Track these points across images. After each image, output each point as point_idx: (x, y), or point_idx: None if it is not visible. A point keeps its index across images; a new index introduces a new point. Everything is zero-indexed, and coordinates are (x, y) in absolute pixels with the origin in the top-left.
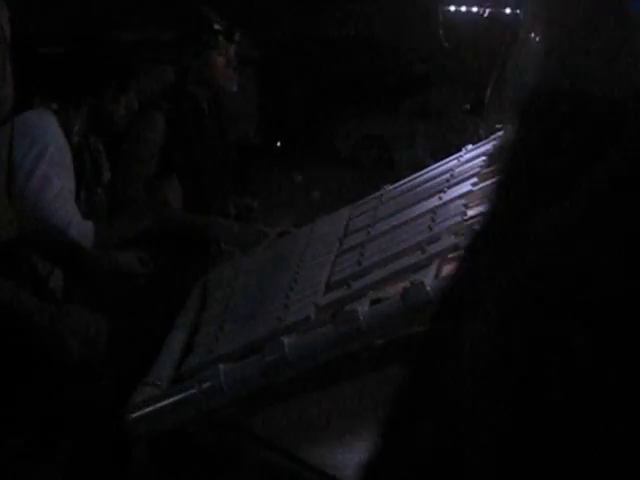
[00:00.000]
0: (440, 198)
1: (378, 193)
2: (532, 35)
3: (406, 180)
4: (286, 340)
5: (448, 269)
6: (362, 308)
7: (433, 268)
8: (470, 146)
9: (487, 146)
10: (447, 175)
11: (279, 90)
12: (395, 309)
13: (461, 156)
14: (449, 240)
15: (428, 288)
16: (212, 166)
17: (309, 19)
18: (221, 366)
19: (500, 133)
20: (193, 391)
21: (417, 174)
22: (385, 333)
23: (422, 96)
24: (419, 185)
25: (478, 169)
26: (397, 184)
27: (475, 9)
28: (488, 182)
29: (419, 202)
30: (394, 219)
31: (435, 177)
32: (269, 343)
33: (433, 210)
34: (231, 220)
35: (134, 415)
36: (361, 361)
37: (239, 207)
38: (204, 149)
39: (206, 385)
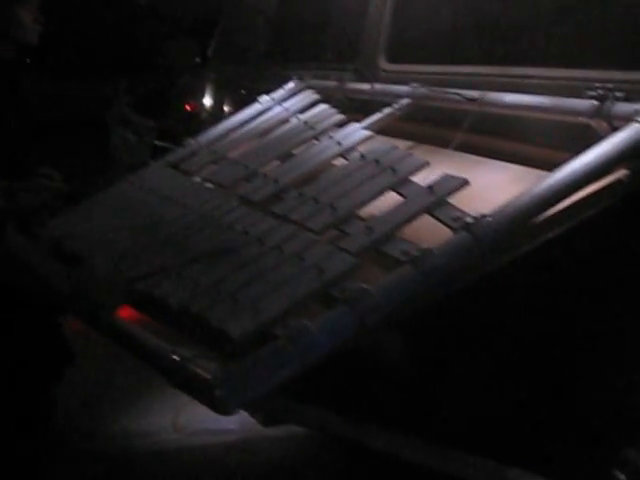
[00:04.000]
0: (339, 143)
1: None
2: None
3: (219, 131)
4: (369, 286)
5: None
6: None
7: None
8: (267, 97)
9: (300, 94)
10: (297, 123)
11: None
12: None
13: (270, 106)
14: (443, 179)
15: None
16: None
17: None
18: (306, 321)
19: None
20: (288, 351)
21: (225, 124)
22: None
23: None
24: (261, 133)
25: (330, 112)
26: (208, 134)
27: None
28: (370, 123)
29: (309, 148)
30: (302, 164)
31: (275, 124)
32: (351, 292)
33: (357, 154)
34: None
35: (224, 390)
36: None
37: None
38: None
39: (300, 342)
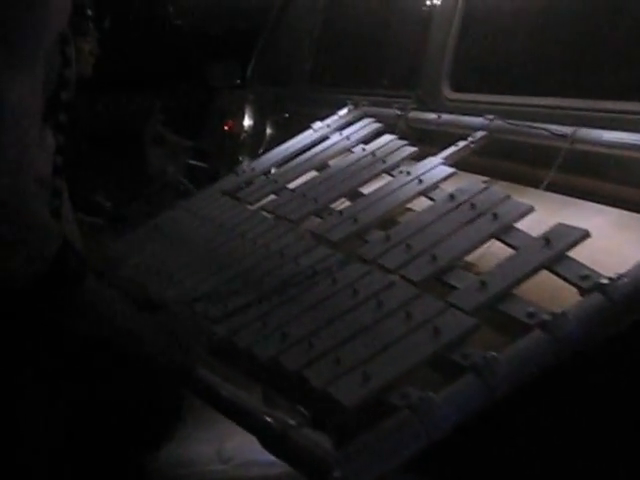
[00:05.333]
0: (420, 180)
1: (248, 169)
2: None
3: (274, 158)
4: (499, 354)
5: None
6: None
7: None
8: (320, 123)
9: (360, 122)
10: (363, 154)
11: None
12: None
13: (327, 133)
14: (559, 228)
15: None
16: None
17: None
18: (431, 394)
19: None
20: (413, 426)
21: (282, 153)
22: None
23: None
24: (322, 164)
25: (398, 144)
26: (261, 161)
27: None
28: (444, 157)
29: (385, 184)
30: (380, 202)
31: (337, 154)
32: (478, 359)
33: (444, 194)
34: None
35: (343, 471)
36: None
37: None
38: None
39: (426, 415)
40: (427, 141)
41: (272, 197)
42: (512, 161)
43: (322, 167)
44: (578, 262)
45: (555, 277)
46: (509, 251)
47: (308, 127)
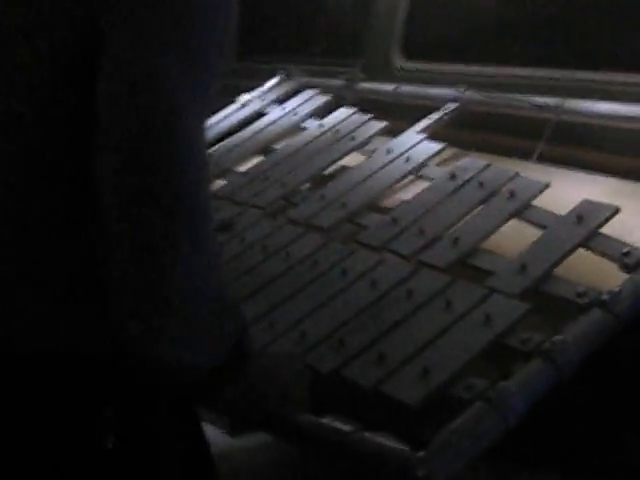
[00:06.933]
0: (408, 159)
1: None
2: None
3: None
4: (568, 337)
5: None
6: None
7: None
8: (247, 95)
9: (303, 94)
10: (322, 130)
11: None
12: None
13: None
14: (586, 205)
15: None
16: None
17: None
18: (503, 383)
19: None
20: (490, 417)
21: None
22: None
23: None
24: (269, 142)
25: (362, 118)
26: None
27: None
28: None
29: (365, 163)
30: (366, 183)
31: (288, 131)
32: (543, 344)
33: (443, 173)
34: None
35: (426, 469)
36: None
37: None
38: None
39: (502, 405)
40: (381, 115)
41: (220, 182)
42: (487, 132)
43: (271, 146)
44: (615, 239)
45: (588, 255)
46: (532, 230)
47: (229, 99)
